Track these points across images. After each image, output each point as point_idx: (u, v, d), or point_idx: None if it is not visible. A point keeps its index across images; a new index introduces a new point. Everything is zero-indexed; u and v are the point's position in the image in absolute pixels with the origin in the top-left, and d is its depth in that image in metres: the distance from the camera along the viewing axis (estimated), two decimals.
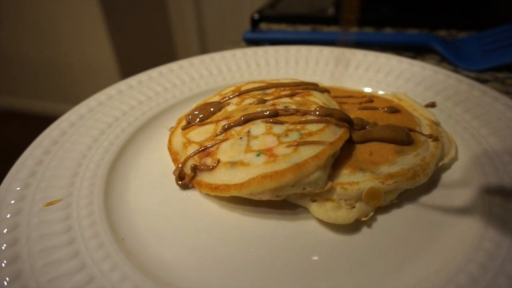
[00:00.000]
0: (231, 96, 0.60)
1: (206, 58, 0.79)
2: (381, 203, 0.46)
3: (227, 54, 0.81)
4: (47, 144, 0.56)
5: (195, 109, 0.60)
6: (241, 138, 0.49)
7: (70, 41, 2.40)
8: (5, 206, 0.45)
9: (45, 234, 0.43)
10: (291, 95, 0.57)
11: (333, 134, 0.49)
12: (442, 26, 0.99)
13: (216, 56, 0.80)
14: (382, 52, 0.79)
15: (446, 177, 0.51)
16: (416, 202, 0.48)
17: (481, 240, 0.41)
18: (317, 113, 0.51)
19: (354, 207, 0.45)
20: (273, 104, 0.54)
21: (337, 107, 0.56)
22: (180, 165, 0.53)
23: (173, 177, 0.53)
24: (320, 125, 0.49)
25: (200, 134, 0.54)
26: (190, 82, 0.73)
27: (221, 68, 0.77)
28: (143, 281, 0.38)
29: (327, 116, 0.51)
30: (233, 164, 0.47)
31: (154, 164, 0.56)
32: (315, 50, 0.81)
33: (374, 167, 0.48)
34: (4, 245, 0.41)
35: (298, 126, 0.49)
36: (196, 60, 0.79)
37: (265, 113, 0.51)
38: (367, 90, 0.70)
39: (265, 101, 0.56)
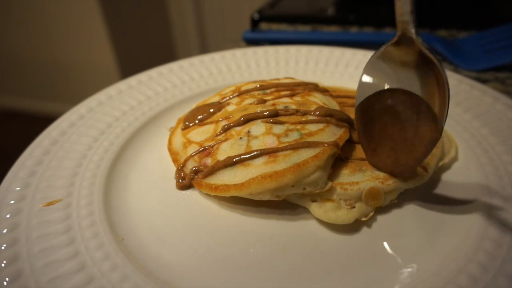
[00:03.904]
0: (231, 96, 0.60)
1: (206, 58, 0.79)
2: (381, 203, 0.46)
3: (227, 54, 0.81)
4: (47, 144, 0.56)
5: (195, 109, 0.60)
6: (241, 138, 0.49)
7: (70, 41, 2.40)
8: (5, 206, 0.45)
9: (45, 234, 0.43)
10: (291, 95, 0.57)
11: (333, 134, 0.49)
12: (442, 26, 0.99)
13: (216, 56, 0.80)
14: None
15: (446, 177, 0.51)
16: (416, 202, 0.48)
17: (481, 240, 0.41)
18: (317, 113, 0.51)
19: (354, 207, 0.45)
20: (273, 104, 0.54)
21: (337, 107, 0.56)
22: (180, 167, 0.53)
23: (173, 177, 0.53)
24: (320, 125, 0.49)
25: (200, 134, 0.54)
26: (190, 82, 0.73)
27: (221, 68, 0.77)
28: (143, 281, 0.38)
29: (327, 116, 0.51)
30: (233, 164, 0.47)
31: (154, 164, 0.56)
32: (315, 50, 0.81)
33: (374, 167, 0.48)
34: (4, 245, 0.41)
35: (298, 126, 0.49)
36: (196, 60, 0.79)
37: (265, 113, 0.51)
38: None
39: (265, 101, 0.56)
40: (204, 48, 2.80)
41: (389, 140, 0.45)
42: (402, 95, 0.43)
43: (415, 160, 0.43)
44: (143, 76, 0.73)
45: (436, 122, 0.41)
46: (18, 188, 0.48)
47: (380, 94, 0.46)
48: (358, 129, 0.48)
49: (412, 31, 0.42)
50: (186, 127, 0.57)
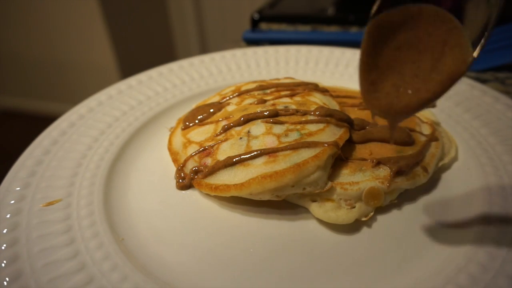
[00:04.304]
0: (231, 96, 0.60)
1: (206, 58, 0.79)
2: (381, 203, 0.46)
3: (227, 54, 0.81)
4: (47, 144, 0.56)
5: (195, 109, 0.60)
6: (241, 138, 0.49)
7: (70, 41, 2.39)
8: (5, 206, 0.45)
9: (45, 234, 0.43)
10: (291, 95, 0.57)
11: (333, 134, 0.49)
12: None
13: (216, 56, 0.80)
14: None
15: (446, 177, 0.51)
16: (416, 202, 0.48)
17: (481, 240, 0.41)
18: (317, 113, 0.51)
19: (354, 207, 0.45)
20: (273, 104, 0.54)
21: (337, 107, 0.56)
22: (180, 167, 0.53)
23: (173, 177, 0.53)
24: (320, 125, 0.49)
25: (200, 134, 0.54)
26: (190, 82, 0.73)
27: (221, 68, 0.77)
28: (143, 281, 0.38)
29: (327, 116, 0.51)
30: (233, 164, 0.47)
31: (154, 164, 0.56)
32: (315, 50, 0.81)
33: (374, 167, 0.48)
34: (4, 245, 0.41)
35: (298, 126, 0.49)
36: (196, 60, 0.79)
37: (265, 113, 0.51)
38: None
39: (265, 101, 0.56)
40: (204, 48, 2.80)
41: (395, 73, 0.37)
42: (433, 15, 0.35)
43: (420, 101, 0.36)
44: (143, 76, 0.73)
45: (467, 52, 0.34)
46: (18, 188, 0.48)
47: (405, 9, 0.36)
48: (363, 49, 0.38)
49: None
50: (186, 127, 0.57)
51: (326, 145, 0.46)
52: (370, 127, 0.54)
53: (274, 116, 0.51)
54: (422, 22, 0.36)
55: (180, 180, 0.52)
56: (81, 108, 0.64)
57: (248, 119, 0.51)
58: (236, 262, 0.42)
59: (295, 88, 0.59)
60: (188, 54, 2.76)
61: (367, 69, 0.38)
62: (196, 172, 0.50)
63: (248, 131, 0.50)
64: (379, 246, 0.43)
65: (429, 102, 0.36)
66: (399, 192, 0.48)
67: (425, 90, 0.36)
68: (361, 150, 0.51)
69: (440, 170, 0.52)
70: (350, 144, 0.51)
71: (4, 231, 0.42)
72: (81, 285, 0.37)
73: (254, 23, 1.07)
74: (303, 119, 0.51)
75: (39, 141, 0.56)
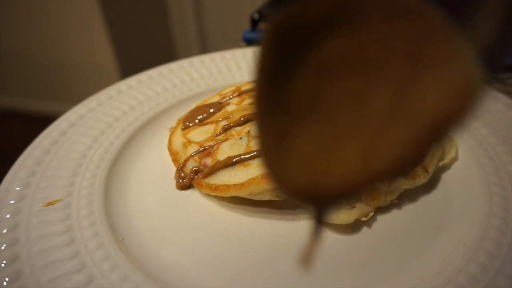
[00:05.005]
0: (231, 96, 0.60)
1: (206, 58, 0.79)
2: (381, 203, 0.46)
3: (227, 54, 0.81)
4: (47, 144, 0.56)
5: (195, 109, 0.60)
6: (241, 138, 0.49)
7: (70, 41, 2.39)
8: (5, 206, 0.45)
9: (45, 234, 0.43)
10: None
11: None
12: None
13: (216, 56, 0.80)
14: None
15: (446, 177, 0.51)
16: (416, 202, 0.48)
17: (481, 240, 0.41)
18: None
19: (354, 207, 0.45)
20: None
21: None
22: (180, 167, 0.53)
23: (173, 177, 0.53)
24: None
25: (200, 134, 0.54)
26: (190, 82, 0.73)
27: (221, 68, 0.77)
28: (143, 281, 0.38)
29: None
30: (233, 164, 0.47)
31: (154, 164, 0.56)
32: None
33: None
34: (4, 245, 0.41)
35: None
36: (196, 60, 0.79)
37: None
38: None
39: None
40: (204, 48, 2.80)
41: (320, 119, 0.20)
42: (391, 6, 0.18)
43: (372, 174, 0.19)
44: (143, 76, 0.73)
45: (467, 70, 0.18)
46: (18, 188, 0.48)
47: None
48: (259, 73, 0.20)
49: None
50: (186, 127, 0.57)
51: None
52: None
53: None
54: (370, 20, 0.18)
55: (180, 180, 0.52)
56: (81, 108, 0.64)
57: (248, 119, 0.51)
58: (236, 262, 0.42)
59: None
60: (188, 54, 2.76)
61: (268, 111, 0.20)
62: (196, 172, 0.50)
63: (248, 131, 0.50)
64: (379, 246, 0.43)
65: (392, 174, 0.19)
66: (399, 192, 0.48)
67: (383, 151, 0.18)
68: None
69: (440, 170, 0.52)
70: None
71: (4, 231, 0.42)
72: (81, 285, 0.37)
73: (254, 23, 1.07)
74: None
75: (39, 141, 0.56)
